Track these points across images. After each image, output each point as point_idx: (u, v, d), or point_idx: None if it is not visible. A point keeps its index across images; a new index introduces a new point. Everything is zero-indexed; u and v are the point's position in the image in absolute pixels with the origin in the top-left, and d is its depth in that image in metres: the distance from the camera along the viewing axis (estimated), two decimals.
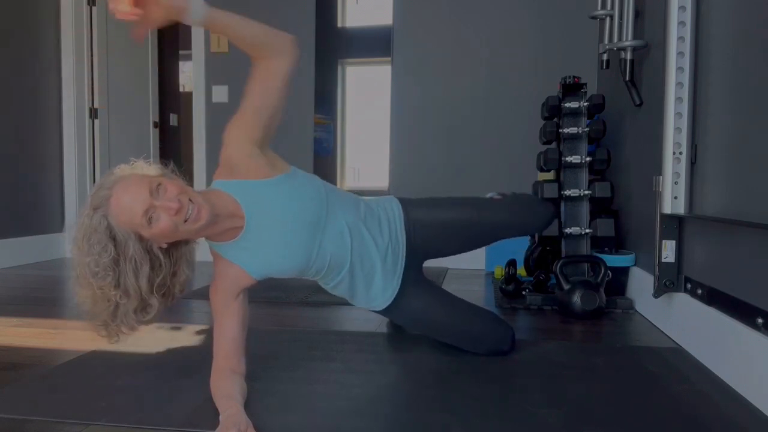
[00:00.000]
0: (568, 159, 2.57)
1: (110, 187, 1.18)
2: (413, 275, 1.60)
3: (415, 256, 1.60)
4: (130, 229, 1.17)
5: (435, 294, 1.65)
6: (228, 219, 1.33)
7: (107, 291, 1.19)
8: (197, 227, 1.23)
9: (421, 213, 1.59)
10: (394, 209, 1.60)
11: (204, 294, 2.67)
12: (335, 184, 3.96)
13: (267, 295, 2.60)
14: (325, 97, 3.91)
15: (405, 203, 1.63)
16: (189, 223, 1.21)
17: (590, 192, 2.53)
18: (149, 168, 1.27)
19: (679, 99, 1.86)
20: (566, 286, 2.28)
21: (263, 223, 1.36)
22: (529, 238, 2.96)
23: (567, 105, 2.62)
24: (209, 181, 3.95)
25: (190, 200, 1.20)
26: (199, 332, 1.95)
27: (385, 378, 1.51)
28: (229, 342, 1.37)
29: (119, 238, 1.17)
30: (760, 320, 1.39)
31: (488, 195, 1.85)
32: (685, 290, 1.91)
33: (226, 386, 1.29)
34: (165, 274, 1.28)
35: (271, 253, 1.38)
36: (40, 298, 2.60)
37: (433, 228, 1.58)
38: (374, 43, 3.88)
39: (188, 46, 4.18)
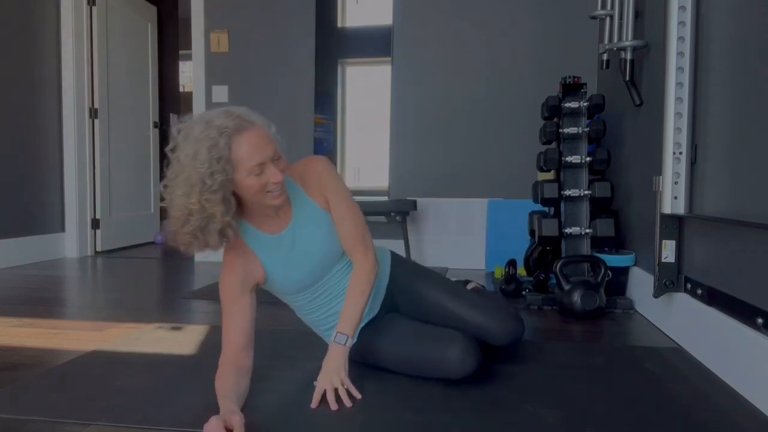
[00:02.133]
0: (568, 159, 2.57)
1: (241, 122, 1.27)
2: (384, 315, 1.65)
3: (389, 304, 1.67)
4: (239, 164, 1.26)
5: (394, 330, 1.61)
6: (284, 213, 1.44)
7: (211, 205, 1.25)
8: (270, 202, 1.34)
9: (405, 280, 1.67)
10: (384, 267, 1.66)
11: (204, 294, 2.67)
12: None
13: (267, 295, 2.59)
14: (325, 97, 3.91)
15: (395, 262, 1.70)
16: (269, 196, 1.32)
17: (590, 192, 2.53)
18: (265, 122, 1.36)
19: (679, 99, 1.86)
20: (566, 286, 2.28)
21: (299, 236, 1.45)
22: (529, 237, 2.96)
23: (567, 105, 2.63)
24: None
25: (283, 183, 1.33)
26: (199, 332, 1.95)
27: (384, 378, 1.51)
28: (238, 334, 1.39)
29: (232, 166, 1.26)
30: (760, 320, 1.39)
31: (469, 285, 1.97)
32: (685, 290, 1.92)
33: (228, 388, 1.30)
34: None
35: (293, 262, 1.45)
36: (40, 298, 2.60)
37: (411, 295, 1.65)
38: (374, 43, 3.88)
39: (188, 46, 4.18)
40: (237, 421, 1.16)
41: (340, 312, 1.47)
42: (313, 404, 1.32)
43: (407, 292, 1.65)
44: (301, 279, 1.47)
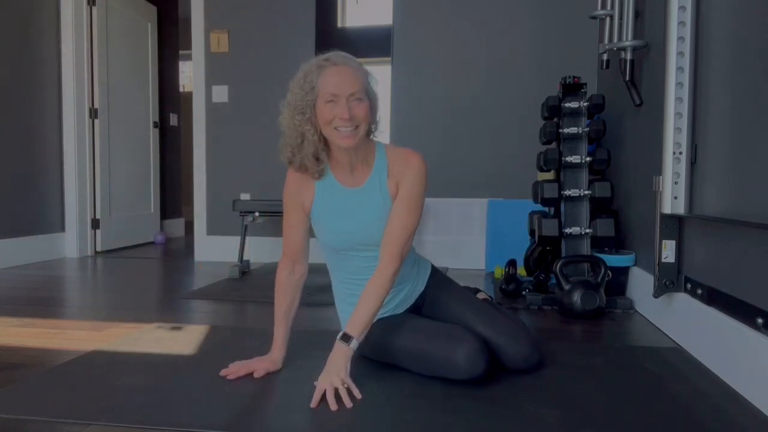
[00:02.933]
0: (568, 159, 2.57)
1: (338, 59, 1.41)
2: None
3: (412, 309, 1.71)
4: (319, 90, 1.40)
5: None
6: (355, 164, 1.51)
7: (300, 124, 1.42)
8: (338, 141, 1.42)
9: (436, 292, 1.71)
10: (422, 278, 1.71)
11: (204, 294, 2.67)
12: None
13: (267, 295, 2.60)
14: None
15: (433, 276, 1.75)
16: (338, 134, 1.41)
17: (590, 192, 2.53)
18: (361, 71, 1.43)
19: (679, 99, 1.86)
20: (566, 286, 2.28)
21: (356, 200, 1.53)
22: (529, 237, 2.96)
23: (567, 105, 2.63)
24: (209, 181, 3.97)
25: (356, 126, 1.41)
26: (199, 332, 1.95)
27: (384, 378, 1.51)
28: (292, 244, 1.57)
29: (315, 92, 1.41)
30: (760, 320, 1.39)
31: (479, 295, 2.02)
32: (685, 290, 1.91)
33: (286, 302, 1.56)
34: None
35: (337, 216, 1.53)
36: (40, 298, 2.60)
37: (438, 307, 1.69)
38: (374, 43, 3.88)
39: (188, 46, 4.18)
40: (263, 368, 1.48)
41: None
42: (313, 403, 1.32)
43: (435, 304, 1.69)
44: (334, 234, 1.54)
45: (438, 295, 1.70)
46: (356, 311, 1.45)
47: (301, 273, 1.61)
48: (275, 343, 1.58)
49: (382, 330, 1.56)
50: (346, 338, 1.41)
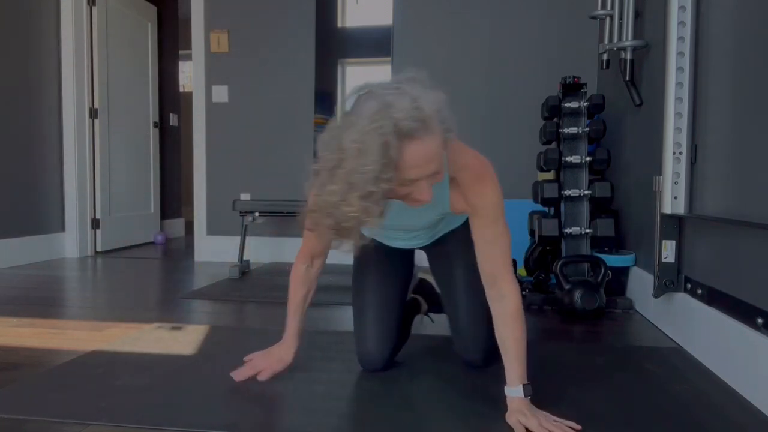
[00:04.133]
0: (568, 159, 2.57)
1: (422, 125, 1.07)
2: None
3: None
4: (398, 171, 1.07)
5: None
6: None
7: (366, 214, 1.07)
8: (411, 204, 1.18)
9: (455, 244, 1.59)
10: (458, 223, 1.57)
11: (204, 294, 2.67)
12: None
13: (267, 296, 2.60)
14: (325, 97, 3.91)
15: (465, 229, 1.51)
16: (410, 202, 1.17)
17: (590, 192, 2.53)
18: (440, 129, 1.14)
19: (679, 99, 1.86)
20: (566, 286, 2.28)
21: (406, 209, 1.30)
22: (529, 237, 2.96)
23: (567, 105, 2.62)
24: (209, 181, 3.97)
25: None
26: (199, 332, 1.95)
27: (384, 378, 1.51)
28: (325, 240, 1.40)
29: (394, 174, 1.07)
30: (760, 320, 1.39)
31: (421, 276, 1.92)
32: (685, 290, 1.91)
33: (301, 292, 1.51)
34: None
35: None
36: (40, 298, 2.60)
37: (440, 267, 1.64)
38: (374, 43, 3.88)
39: (188, 46, 4.18)
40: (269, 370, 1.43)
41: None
42: None
43: (441, 259, 1.61)
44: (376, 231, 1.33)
45: (456, 248, 1.56)
46: (511, 366, 1.25)
47: (319, 266, 1.54)
48: (287, 337, 1.51)
49: (357, 262, 1.61)
50: (515, 392, 1.24)
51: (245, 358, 1.51)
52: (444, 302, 1.64)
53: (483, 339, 1.55)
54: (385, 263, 1.62)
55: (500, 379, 1.50)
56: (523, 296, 2.60)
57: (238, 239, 3.70)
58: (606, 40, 2.64)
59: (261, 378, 1.46)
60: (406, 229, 1.47)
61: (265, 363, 1.48)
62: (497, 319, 1.29)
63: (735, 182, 1.58)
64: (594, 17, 2.70)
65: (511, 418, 1.22)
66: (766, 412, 1.32)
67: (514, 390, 1.24)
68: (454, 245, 1.59)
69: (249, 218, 3.32)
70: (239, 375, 1.47)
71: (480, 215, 1.30)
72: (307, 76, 3.83)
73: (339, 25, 3.98)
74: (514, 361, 1.25)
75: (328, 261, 1.63)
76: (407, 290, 1.71)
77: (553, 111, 2.66)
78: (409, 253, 1.68)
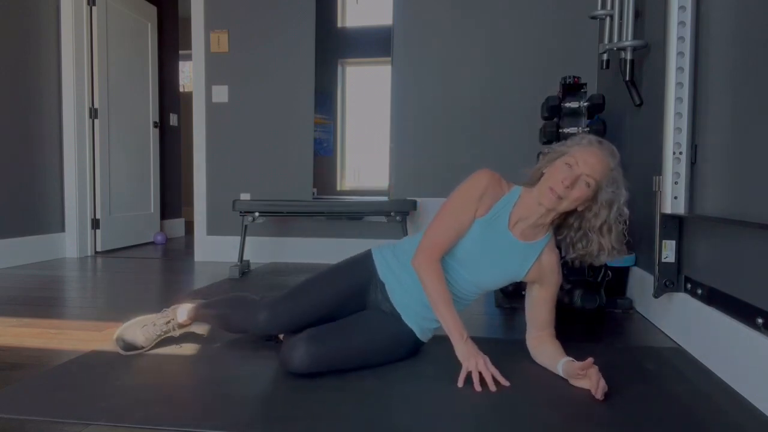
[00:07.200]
0: None
1: (606, 148, 1.52)
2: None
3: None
4: (570, 154, 1.51)
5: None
6: (527, 224, 1.59)
7: (544, 162, 1.60)
8: (541, 200, 1.51)
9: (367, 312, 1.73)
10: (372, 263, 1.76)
11: (204, 294, 2.67)
12: (335, 184, 3.96)
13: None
14: (325, 97, 3.91)
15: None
16: (546, 196, 1.50)
17: None
18: (610, 171, 1.51)
19: (679, 99, 1.86)
20: (566, 286, 2.28)
21: (504, 252, 1.61)
22: None
23: (567, 105, 2.62)
24: (209, 181, 3.97)
25: (561, 198, 1.48)
26: (198, 332, 1.95)
27: (383, 378, 1.51)
28: (458, 234, 1.56)
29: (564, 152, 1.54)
30: (760, 320, 1.39)
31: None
32: (685, 290, 1.91)
33: (445, 288, 1.52)
34: None
35: (480, 244, 1.59)
36: (40, 298, 2.60)
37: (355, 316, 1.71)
38: (374, 43, 3.88)
39: (188, 46, 4.18)
40: (483, 366, 1.45)
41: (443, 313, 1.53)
42: (459, 383, 1.44)
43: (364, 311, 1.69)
44: (466, 253, 1.58)
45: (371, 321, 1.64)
46: (559, 351, 1.58)
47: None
48: (463, 331, 1.49)
49: (340, 267, 1.71)
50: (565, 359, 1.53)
51: (462, 379, 1.46)
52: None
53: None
54: (355, 288, 1.67)
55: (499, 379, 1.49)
56: (523, 295, 2.60)
57: (238, 239, 3.70)
58: (606, 40, 2.64)
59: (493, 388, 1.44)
60: (478, 275, 1.61)
61: (487, 366, 1.46)
62: (541, 344, 1.63)
63: (735, 182, 1.58)
64: (594, 17, 2.70)
65: (575, 380, 1.46)
66: (766, 412, 1.32)
67: (564, 359, 1.52)
68: (381, 321, 1.64)
69: (249, 218, 3.32)
70: (493, 385, 1.43)
71: (549, 287, 1.63)
72: (307, 76, 3.84)
73: (339, 25, 3.98)
74: (559, 350, 1.58)
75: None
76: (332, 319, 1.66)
77: (553, 111, 2.66)
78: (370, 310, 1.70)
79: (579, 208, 1.52)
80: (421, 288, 1.59)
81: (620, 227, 1.53)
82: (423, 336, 1.67)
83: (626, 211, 1.54)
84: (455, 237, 1.56)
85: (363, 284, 1.67)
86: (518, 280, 1.63)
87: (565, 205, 1.49)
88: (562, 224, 1.61)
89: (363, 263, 1.70)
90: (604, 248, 1.53)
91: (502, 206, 1.58)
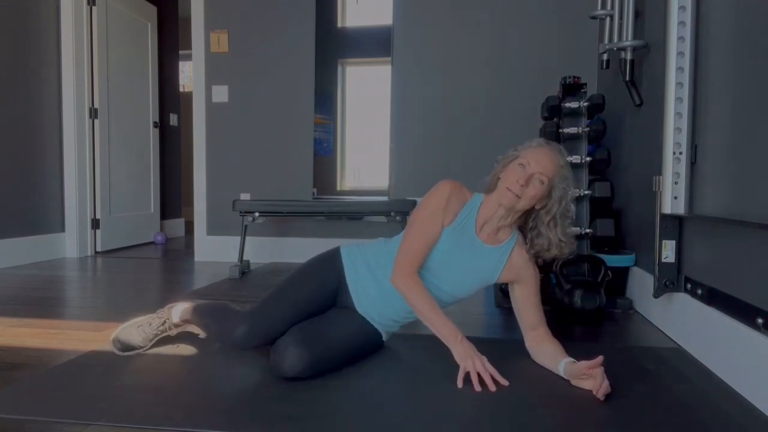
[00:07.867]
0: (568, 159, 2.57)
1: (553, 146, 1.60)
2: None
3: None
4: (521, 156, 1.59)
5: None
6: (492, 227, 1.65)
7: (497, 170, 1.68)
8: (500, 199, 1.59)
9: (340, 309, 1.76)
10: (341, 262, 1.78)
11: (204, 294, 2.67)
12: (335, 184, 3.96)
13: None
14: (325, 97, 3.91)
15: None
16: (505, 195, 1.57)
17: (590, 192, 2.53)
18: (560, 169, 1.58)
19: (679, 99, 1.86)
20: (566, 286, 2.28)
21: (473, 257, 1.66)
22: None
23: (567, 105, 2.62)
24: (209, 181, 3.97)
25: (519, 197, 1.55)
26: (195, 332, 1.95)
27: (383, 378, 1.52)
28: (428, 247, 1.60)
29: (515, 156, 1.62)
30: (760, 320, 1.39)
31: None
32: (685, 290, 1.91)
33: (429, 297, 1.55)
34: None
35: (450, 253, 1.64)
36: (40, 298, 2.60)
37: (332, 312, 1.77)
38: (374, 43, 3.88)
39: (188, 46, 4.18)
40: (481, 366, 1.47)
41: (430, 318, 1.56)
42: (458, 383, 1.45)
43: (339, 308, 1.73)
44: (437, 262, 1.62)
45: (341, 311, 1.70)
46: (558, 349, 1.59)
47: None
48: (457, 332, 1.52)
49: (315, 265, 1.72)
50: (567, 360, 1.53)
51: (461, 380, 1.47)
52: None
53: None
54: (324, 291, 1.69)
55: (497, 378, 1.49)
56: None
57: (238, 239, 3.70)
58: (606, 40, 2.64)
59: (493, 386, 1.45)
60: (450, 284, 1.64)
61: (485, 366, 1.48)
62: (540, 345, 1.63)
63: (735, 182, 1.58)
64: (594, 17, 2.70)
65: (578, 381, 1.46)
66: (766, 412, 1.32)
67: (565, 360, 1.53)
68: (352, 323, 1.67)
69: (249, 218, 3.32)
70: (492, 385, 1.45)
71: (527, 283, 1.65)
72: (307, 76, 3.84)
73: (339, 25, 3.98)
74: (560, 350, 1.58)
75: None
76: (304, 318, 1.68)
77: (553, 111, 2.66)
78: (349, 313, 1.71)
79: (537, 206, 1.59)
80: (385, 299, 1.65)
81: (566, 221, 1.59)
82: (386, 336, 1.75)
83: (573, 207, 1.61)
84: (427, 249, 1.61)
85: (333, 288, 1.70)
86: (491, 283, 1.68)
87: (522, 204, 1.56)
88: (523, 225, 1.67)
89: (331, 266, 1.71)
90: (553, 242, 1.59)
91: (467, 212, 1.64)
